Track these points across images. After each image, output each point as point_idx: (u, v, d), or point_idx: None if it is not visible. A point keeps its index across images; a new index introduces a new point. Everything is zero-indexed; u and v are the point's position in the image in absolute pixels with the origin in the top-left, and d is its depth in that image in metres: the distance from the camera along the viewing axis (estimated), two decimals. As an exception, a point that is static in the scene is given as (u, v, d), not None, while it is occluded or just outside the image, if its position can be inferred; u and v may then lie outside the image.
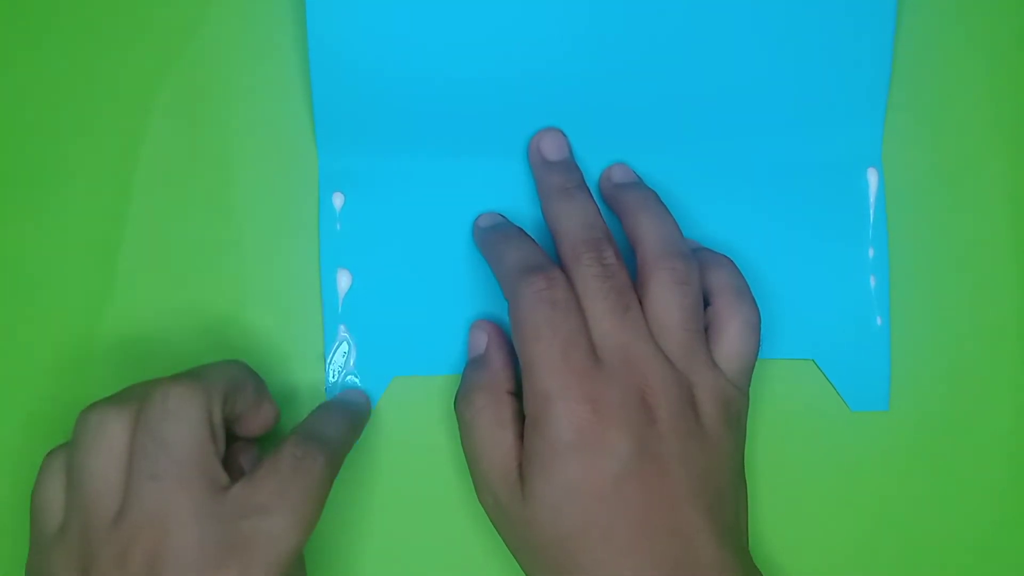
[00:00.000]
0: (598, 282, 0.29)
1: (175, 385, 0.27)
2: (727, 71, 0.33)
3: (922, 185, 0.34)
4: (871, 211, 0.34)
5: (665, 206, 0.31)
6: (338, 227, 0.32)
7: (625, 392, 0.28)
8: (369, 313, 0.32)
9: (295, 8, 0.33)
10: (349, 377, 0.32)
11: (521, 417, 0.29)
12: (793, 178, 0.33)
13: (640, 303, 0.29)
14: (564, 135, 0.33)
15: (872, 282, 0.34)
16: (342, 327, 0.32)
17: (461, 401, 0.31)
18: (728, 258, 0.32)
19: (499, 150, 0.33)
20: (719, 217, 0.33)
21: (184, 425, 0.26)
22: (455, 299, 0.33)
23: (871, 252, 0.34)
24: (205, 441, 0.26)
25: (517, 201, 0.33)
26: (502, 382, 0.30)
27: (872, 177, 0.34)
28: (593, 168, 0.33)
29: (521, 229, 0.32)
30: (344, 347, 0.32)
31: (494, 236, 0.32)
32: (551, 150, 0.33)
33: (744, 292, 0.31)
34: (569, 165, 0.32)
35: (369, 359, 0.32)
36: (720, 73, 0.33)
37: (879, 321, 0.34)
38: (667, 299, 0.29)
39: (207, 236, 0.33)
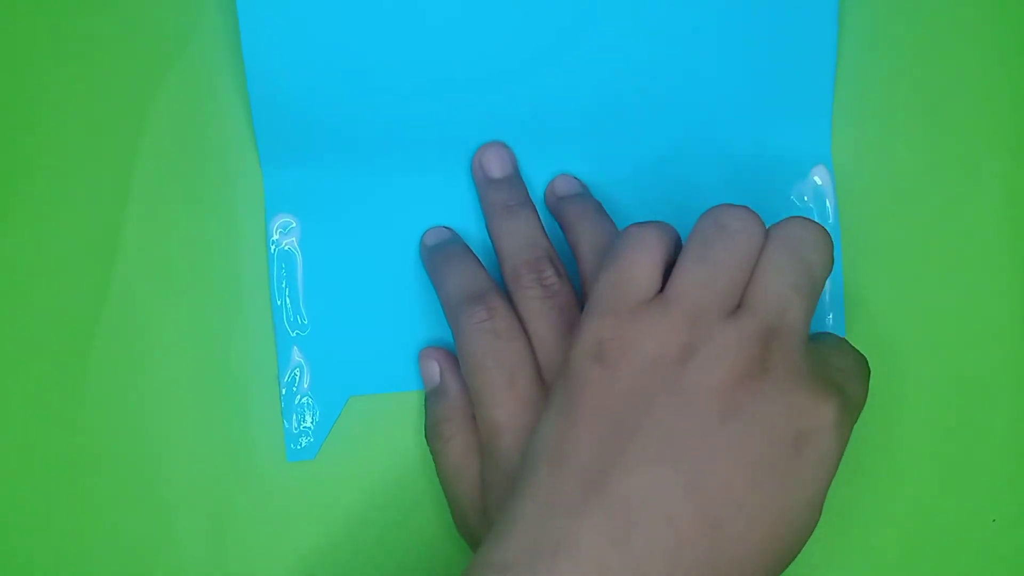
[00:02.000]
0: (539, 303, 0.29)
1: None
2: (671, 75, 0.32)
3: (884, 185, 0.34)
4: (819, 207, 0.33)
5: (606, 215, 0.31)
6: (285, 246, 0.32)
7: None
8: (322, 333, 0.32)
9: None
10: (304, 399, 0.32)
11: None
12: (742, 178, 0.33)
13: None
14: (508, 149, 0.32)
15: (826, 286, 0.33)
16: (295, 349, 0.32)
17: (429, 434, 0.31)
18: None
19: (449, 165, 0.32)
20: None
21: (825, 259, 0.25)
22: (408, 315, 0.32)
23: None
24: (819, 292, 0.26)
25: (467, 216, 0.32)
26: (463, 408, 0.30)
27: (820, 175, 0.33)
28: (542, 178, 0.32)
29: (465, 247, 0.31)
30: (297, 369, 0.32)
31: (437, 258, 0.31)
32: (494, 166, 0.32)
33: None
34: (512, 181, 0.31)
35: (323, 380, 0.32)
36: (665, 77, 0.32)
37: (830, 320, 0.33)
38: None
39: (205, 238, 0.32)
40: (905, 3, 0.33)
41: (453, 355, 0.31)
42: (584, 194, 0.32)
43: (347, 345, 0.32)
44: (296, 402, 0.32)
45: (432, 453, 0.31)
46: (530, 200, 0.31)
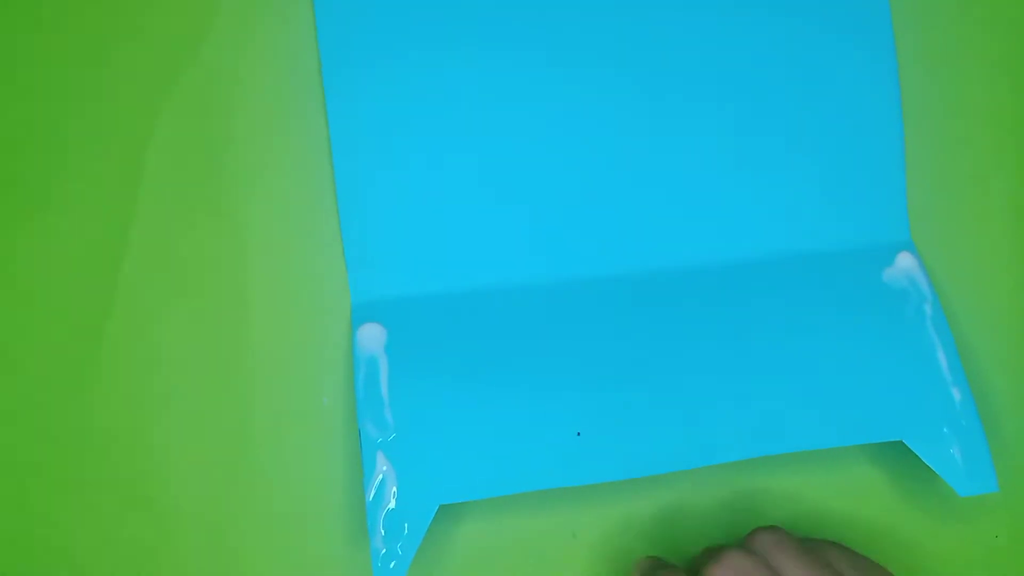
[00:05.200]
0: None
1: None
2: (741, 175, 0.33)
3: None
4: (918, 292, 0.33)
5: None
6: (367, 355, 0.30)
7: None
8: (409, 440, 0.29)
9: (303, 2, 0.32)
10: (390, 511, 0.28)
11: None
12: (828, 272, 0.33)
13: None
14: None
15: (942, 359, 0.32)
16: (380, 455, 0.28)
17: None
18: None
19: (536, 271, 0.32)
20: (769, 310, 0.32)
21: None
22: (496, 419, 0.30)
23: (932, 332, 0.32)
24: None
25: (552, 316, 0.31)
26: None
27: (907, 261, 0.33)
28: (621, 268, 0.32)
29: None
30: (383, 476, 0.28)
31: None
32: None
33: None
34: None
35: (410, 488, 0.28)
36: (735, 178, 0.33)
37: (957, 395, 0.32)
38: None
39: (213, 246, 0.32)
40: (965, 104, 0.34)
41: None
42: None
43: (435, 451, 0.29)
44: (383, 518, 0.28)
45: None
46: None
